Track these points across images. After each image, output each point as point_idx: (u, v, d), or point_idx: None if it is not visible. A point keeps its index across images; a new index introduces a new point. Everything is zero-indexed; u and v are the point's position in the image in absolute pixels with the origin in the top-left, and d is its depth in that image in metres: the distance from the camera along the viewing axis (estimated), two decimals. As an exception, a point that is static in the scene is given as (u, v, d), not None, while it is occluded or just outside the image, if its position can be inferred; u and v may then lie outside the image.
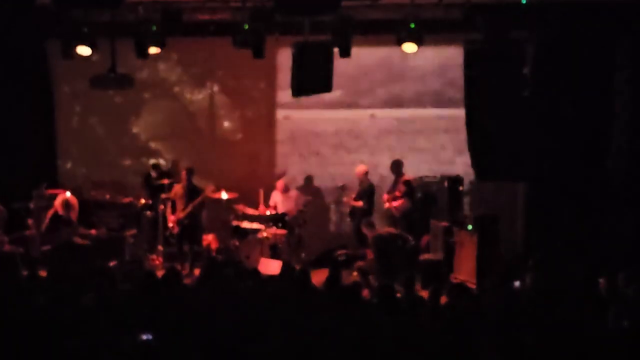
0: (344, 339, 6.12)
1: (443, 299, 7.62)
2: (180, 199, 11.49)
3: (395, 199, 11.68)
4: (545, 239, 10.85)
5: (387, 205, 11.76)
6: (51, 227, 10.68)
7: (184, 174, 11.58)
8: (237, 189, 12.01)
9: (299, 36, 9.76)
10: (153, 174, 12.65)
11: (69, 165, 13.49)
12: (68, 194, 11.11)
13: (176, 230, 11.53)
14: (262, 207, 12.06)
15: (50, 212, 10.89)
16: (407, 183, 11.73)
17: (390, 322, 6.53)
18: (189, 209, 11.41)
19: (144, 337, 6.00)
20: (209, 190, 11.51)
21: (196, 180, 11.78)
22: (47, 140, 13.00)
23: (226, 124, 13.39)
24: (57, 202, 10.84)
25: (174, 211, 11.55)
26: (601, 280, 7.71)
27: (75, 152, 13.49)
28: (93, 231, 11.13)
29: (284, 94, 12.37)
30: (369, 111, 13.04)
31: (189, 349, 6.02)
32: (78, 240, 10.70)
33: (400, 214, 11.63)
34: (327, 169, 13.14)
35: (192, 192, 11.50)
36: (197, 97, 13.41)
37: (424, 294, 8.34)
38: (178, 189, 11.57)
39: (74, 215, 10.95)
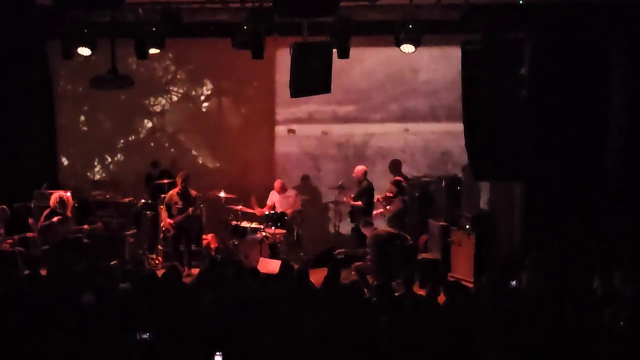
0: (343, 339, 6.17)
1: (441, 298, 7.69)
2: (175, 204, 11.51)
3: (386, 199, 11.69)
4: (543, 238, 10.89)
5: (378, 210, 11.72)
6: (47, 225, 10.73)
7: (179, 180, 11.56)
8: (236, 190, 12.06)
9: (298, 37, 9.80)
10: (153, 172, 12.70)
11: (69, 164, 13.54)
12: (68, 194, 11.16)
13: (171, 232, 11.53)
14: (259, 207, 12.15)
15: (47, 210, 10.93)
16: (397, 183, 11.66)
17: (389, 321, 6.58)
18: (185, 215, 11.44)
19: (141, 336, 6.05)
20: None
21: (195, 182, 11.82)
22: (47, 140, 13.05)
23: (225, 124, 13.43)
24: (52, 199, 10.90)
25: (169, 215, 11.57)
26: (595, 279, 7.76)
27: (76, 152, 13.54)
28: (85, 226, 11.16)
29: (283, 95, 12.40)
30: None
31: (189, 348, 6.07)
32: (72, 236, 10.75)
33: (391, 214, 11.65)
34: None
35: (186, 198, 11.51)
36: (196, 97, 13.46)
37: (422, 293, 8.41)
38: (173, 194, 11.57)
39: (69, 212, 11.00)
